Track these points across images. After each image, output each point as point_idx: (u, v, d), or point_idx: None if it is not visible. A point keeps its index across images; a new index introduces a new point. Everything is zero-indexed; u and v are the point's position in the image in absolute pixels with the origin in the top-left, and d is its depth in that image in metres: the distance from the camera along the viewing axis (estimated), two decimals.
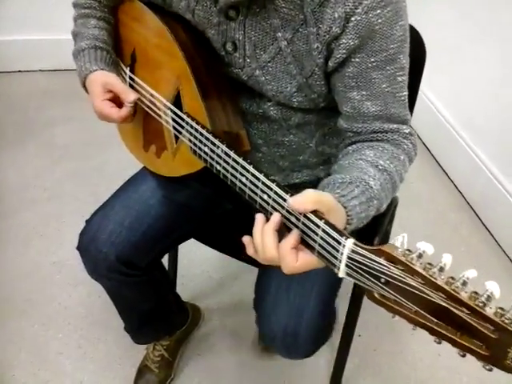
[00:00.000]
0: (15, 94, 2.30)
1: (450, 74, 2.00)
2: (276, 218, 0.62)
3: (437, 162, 2.12)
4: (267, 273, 0.90)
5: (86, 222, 0.97)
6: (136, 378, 1.28)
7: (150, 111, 0.89)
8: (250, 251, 0.64)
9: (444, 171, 2.07)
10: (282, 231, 0.63)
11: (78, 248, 0.97)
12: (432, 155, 2.15)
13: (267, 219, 0.64)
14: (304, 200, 0.59)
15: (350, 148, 0.79)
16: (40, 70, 2.46)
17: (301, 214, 0.59)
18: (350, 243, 0.54)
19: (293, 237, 0.60)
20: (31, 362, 1.32)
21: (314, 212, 0.58)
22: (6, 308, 1.43)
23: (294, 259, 0.60)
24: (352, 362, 1.33)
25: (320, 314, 0.85)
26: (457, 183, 2.00)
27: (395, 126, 0.78)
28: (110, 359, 1.34)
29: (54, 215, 1.73)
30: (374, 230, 1.01)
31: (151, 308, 1.12)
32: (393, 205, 1.09)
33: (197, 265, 1.59)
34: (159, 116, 0.87)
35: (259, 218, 0.63)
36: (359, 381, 1.33)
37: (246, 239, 0.64)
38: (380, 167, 0.72)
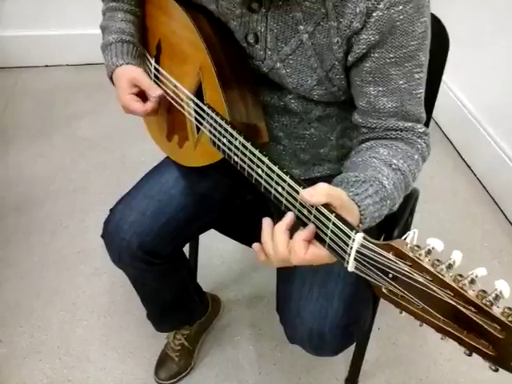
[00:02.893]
0: (42, 88, 2.35)
1: (473, 65, 1.96)
2: (289, 217, 0.63)
3: (459, 154, 2.09)
4: (288, 277, 0.90)
5: (110, 210, 1.00)
6: (157, 366, 1.31)
7: (173, 102, 0.91)
8: (261, 258, 0.65)
9: (467, 164, 2.04)
10: (296, 229, 0.63)
11: (103, 236, 0.99)
12: (454, 148, 2.12)
13: (281, 213, 0.64)
14: (316, 192, 0.59)
15: (363, 145, 0.79)
16: (67, 65, 2.50)
17: (312, 206, 0.60)
18: (359, 237, 0.54)
19: (307, 230, 0.61)
20: (57, 348, 1.36)
21: (326, 205, 0.59)
22: (33, 296, 1.48)
23: (302, 250, 0.60)
24: (371, 354, 1.33)
25: (344, 314, 0.85)
26: (480, 177, 1.96)
27: (410, 124, 0.77)
28: (132, 347, 1.37)
29: (79, 206, 1.77)
30: (394, 223, 1.01)
31: (173, 296, 1.15)
32: (413, 197, 1.09)
33: (217, 256, 1.61)
34: (182, 107, 0.88)
35: (265, 222, 0.64)
36: (378, 374, 1.33)
37: (256, 246, 0.65)
38: (394, 166, 0.72)
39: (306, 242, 0.61)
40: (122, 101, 0.88)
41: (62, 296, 1.49)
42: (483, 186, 1.93)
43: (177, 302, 1.18)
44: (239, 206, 1.07)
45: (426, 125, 0.82)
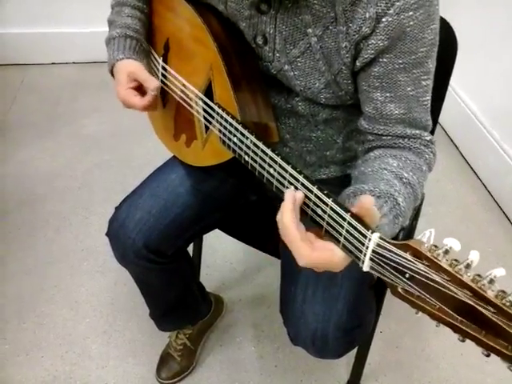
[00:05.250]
0: (48, 86, 2.35)
1: (480, 68, 1.96)
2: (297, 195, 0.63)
3: (464, 159, 2.08)
4: (292, 279, 0.90)
5: (116, 208, 1.00)
6: (159, 365, 1.31)
7: (181, 101, 0.91)
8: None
9: (472, 169, 2.03)
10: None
11: (108, 234, 0.99)
12: (459, 152, 2.12)
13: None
14: (371, 210, 0.57)
15: (371, 154, 0.78)
16: (73, 63, 2.51)
17: (327, 205, 0.60)
18: (375, 237, 0.54)
19: (297, 230, 0.60)
20: (59, 345, 1.36)
21: (341, 205, 0.58)
22: (36, 292, 1.48)
23: (307, 249, 0.59)
24: (373, 358, 1.33)
25: (348, 317, 0.84)
26: (485, 182, 1.96)
27: (417, 131, 0.77)
28: (133, 346, 1.37)
29: (83, 204, 1.77)
30: None
31: (176, 296, 1.15)
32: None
33: (221, 256, 1.61)
34: (190, 106, 0.88)
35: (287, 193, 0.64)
36: (380, 377, 1.33)
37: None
38: (404, 180, 0.71)
39: (307, 241, 0.59)
40: (120, 95, 0.87)
41: (65, 293, 1.49)
42: (488, 191, 1.93)
43: (180, 302, 1.18)
44: (244, 206, 1.07)
45: (433, 129, 0.82)
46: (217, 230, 1.11)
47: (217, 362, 1.35)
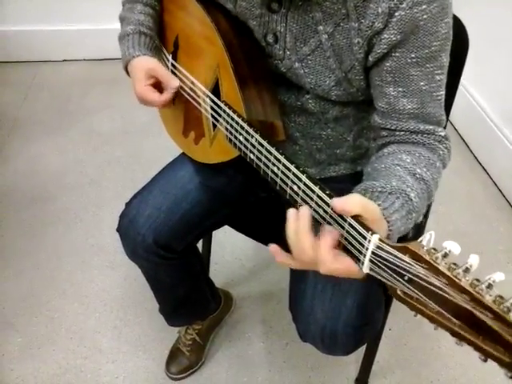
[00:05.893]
0: (59, 83, 2.37)
1: (491, 66, 1.93)
2: (306, 212, 0.60)
3: (474, 156, 2.06)
4: (301, 275, 0.89)
5: (126, 204, 1.00)
6: (168, 360, 1.32)
7: (190, 98, 0.91)
8: (278, 259, 0.62)
9: (482, 166, 2.01)
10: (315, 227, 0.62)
11: (118, 230, 1.00)
12: (470, 149, 2.10)
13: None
14: (350, 202, 0.57)
15: (385, 150, 0.77)
16: (84, 59, 2.53)
17: (329, 206, 0.59)
18: (375, 238, 0.54)
19: (331, 236, 0.58)
20: (70, 339, 1.38)
21: (356, 217, 0.57)
22: (48, 287, 1.50)
23: (331, 258, 0.58)
24: (381, 355, 1.33)
25: (358, 314, 0.84)
26: (495, 179, 1.94)
27: (431, 127, 0.76)
28: (143, 340, 1.38)
29: (94, 200, 1.79)
30: None
31: (186, 291, 1.16)
32: None
33: (229, 252, 1.61)
34: (199, 103, 0.89)
35: (291, 214, 0.61)
36: (388, 375, 1.33)
37: (273, 248, 0.62)
38: (417, 176, 0.70)
39: (334, 250, 0.58)
40: (138, 92, 0.88)
41: (75, 288, 1.50)
42: (499, 189, 1.91)
43: (189, 297, 1.19)
44: (253, 203, 1.07)
45: (444, 126, 0.82)
46: (226, 227, 1.12)
47: (225, 357, 1.35)
